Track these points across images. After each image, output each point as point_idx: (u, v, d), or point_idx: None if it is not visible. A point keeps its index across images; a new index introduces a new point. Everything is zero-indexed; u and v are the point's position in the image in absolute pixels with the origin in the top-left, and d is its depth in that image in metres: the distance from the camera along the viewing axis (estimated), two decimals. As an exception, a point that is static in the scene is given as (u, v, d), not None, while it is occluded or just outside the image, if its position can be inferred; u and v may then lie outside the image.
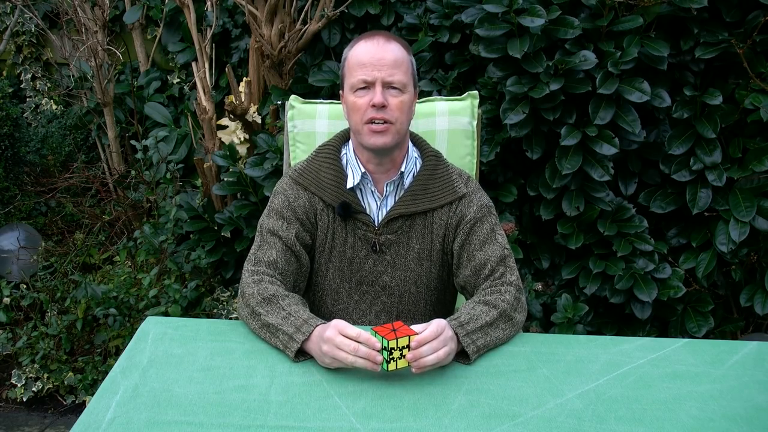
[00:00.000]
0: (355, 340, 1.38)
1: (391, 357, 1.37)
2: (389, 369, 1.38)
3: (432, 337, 1.40)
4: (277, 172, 2.90)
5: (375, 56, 1.66)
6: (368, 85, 1.68)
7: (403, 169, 1.77)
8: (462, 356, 1.50)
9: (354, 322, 1.78)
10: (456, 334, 1.48)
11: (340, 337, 1.40)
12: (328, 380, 1.41)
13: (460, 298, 2.06)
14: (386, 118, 1.67)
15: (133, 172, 3.67)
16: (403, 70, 1.69)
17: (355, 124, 1.72)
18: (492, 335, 1.54)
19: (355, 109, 1.70)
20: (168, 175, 3.39)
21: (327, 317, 1.75)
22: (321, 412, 1.32)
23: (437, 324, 1.43)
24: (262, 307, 1.56)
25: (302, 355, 1.50)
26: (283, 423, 1.28)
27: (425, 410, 1.33)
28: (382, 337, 1.37)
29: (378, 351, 1.37)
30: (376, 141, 1.69)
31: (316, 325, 1.48)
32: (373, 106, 1.66)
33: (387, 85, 1.67)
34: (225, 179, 3.12)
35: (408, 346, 1.39)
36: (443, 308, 1.90)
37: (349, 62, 1.72)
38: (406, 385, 1.41)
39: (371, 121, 1.68)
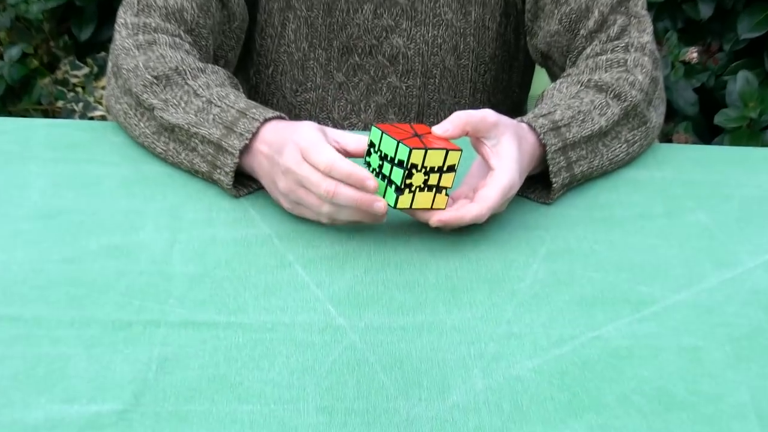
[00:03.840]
0: (330, 174, 0.73)
1: (406, 184, 0.74)
2: (398, 205, 0.75)
3: (500, 196, 0.77)
4: None
5: None
6: None
7: None
8: (539, 186, 0.89)
9: (336, 126, 1.10)
10: (540, 140, 0.84)
11: (305, 167, 0.75)
12: (282, 234, 0.79)
13: (539, 81, 1.30)
14: None
15: None
16: None
17: None
18: (606, 154, 0.91)
19: None
20: None
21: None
22: (269, 295, 0.72)
23: (510, 159, 0.78)
24: (156, 93, 0.86)
25: (248, 183, 0.86)
26: (196, 318, 0.68)
27: (467, 292, 0.74)
28: (398, 141, 0.73)
29: (373, 192, 0.74)
30: None
31: (266, 119, 0.82)
32: None
33: None
34: None
35: (441, 169, 0.75)
36: (506, 101, 1.20)
37: None
38: (428, 241, 0.79)
39: None
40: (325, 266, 0.75)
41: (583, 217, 0.86)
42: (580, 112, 0.88)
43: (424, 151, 0.72)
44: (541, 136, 0.83)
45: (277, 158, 0.76)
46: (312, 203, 0.75)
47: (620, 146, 0.93)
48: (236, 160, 0.80)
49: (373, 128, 0.75)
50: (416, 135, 0.75)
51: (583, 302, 0.72)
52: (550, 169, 0.84)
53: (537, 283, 0.75)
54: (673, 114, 1.77)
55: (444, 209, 0.76)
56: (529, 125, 0.84)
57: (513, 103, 1.19)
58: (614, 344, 0.67)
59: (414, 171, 0.73)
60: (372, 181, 0.73)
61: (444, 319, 0.69)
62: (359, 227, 0.79)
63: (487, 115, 0.77)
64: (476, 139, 0.78)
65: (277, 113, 0.83)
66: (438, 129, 0.76)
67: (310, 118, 1.07)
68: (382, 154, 0.74)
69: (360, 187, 0.72)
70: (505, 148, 0.77)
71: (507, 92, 1.18)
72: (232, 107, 0.83)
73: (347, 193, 0.73)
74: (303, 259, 0.75)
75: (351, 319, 0.68)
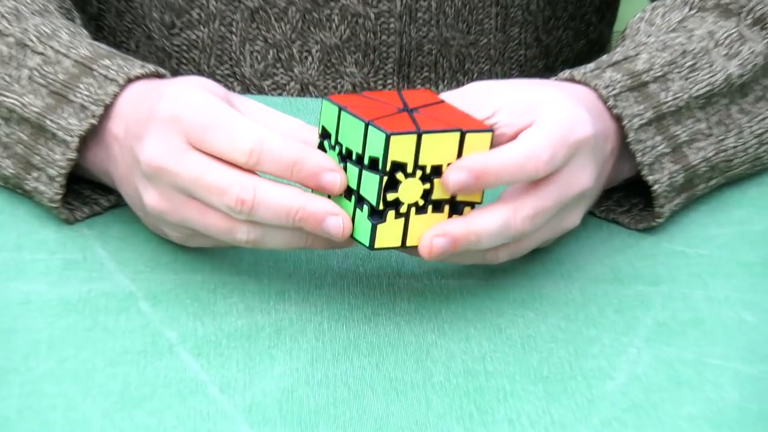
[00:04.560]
0: (256, 165, 0.42)
1: (387, 202, 0.41)
2: (378, 243, 0.41)
3: (556, 136, 0.43)
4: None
5: None
6: None
7: None
8: (639, 203, 0.54)
9: (248, 89, 0.71)
10: (611, 108, 0.50)
11: (194, 160, 0.43)
12: (154, 292, 0.47)
13: (630, 8, 0.84)
14: None
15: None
16: None
17: None
18: (748, 126, 0.56)
19: None
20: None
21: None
22: (132, 406, 0.39)
23: (556, 100, 0.45)
24: None
25: (93, 197, 0.52)
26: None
27: (505, 400, 0.41)
28: (367, 122, 0.40)
29: (338, 193, 0.42)
30: None
31: (129, 78, 0.49)
32: None
33: None
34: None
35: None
36: (575, 42, 0.75)
37: None
38: (429, 301, 0.47)
39: None
40: (235, 352, 0.43)
41: (722, 259, 0.52)
42: (686, 53, 0.54)
43: (415, 136, 0.40)
44: (609, 102, 0.49)
45: (136, 149, 0.45)
46: (213, 226, 0.43)
47: (756, 110, 0.57)
48: (73, 156, 0.48)
49: (325, 102, 0.43)
50: (406, 110, 0.42)
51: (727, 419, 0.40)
52: (639, 159, 0.50)
53: (637, 382, 0.42)
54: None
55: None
56: (586, 84, 0.50)
57: (588, 44, 0.78)
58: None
59: (401, 175, 0.41)
60: (336, 173, 0.42)
61: (463, 452, 0.38)
62: (302, 268, 0.48)
63: (474, 89, 0.48)
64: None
65: (151, 67, 0.50)
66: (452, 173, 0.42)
67: (198, 74, 0.70)
68: (343, 149, 0.42)
69: (314, 185, 0.42)
70: (537, 97, 0.46)
71: (573, 26, 0.76)
72: (65, 55, 0.51)
73: (277, 202, 0.41)
74: (194, 339, 0.44)
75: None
